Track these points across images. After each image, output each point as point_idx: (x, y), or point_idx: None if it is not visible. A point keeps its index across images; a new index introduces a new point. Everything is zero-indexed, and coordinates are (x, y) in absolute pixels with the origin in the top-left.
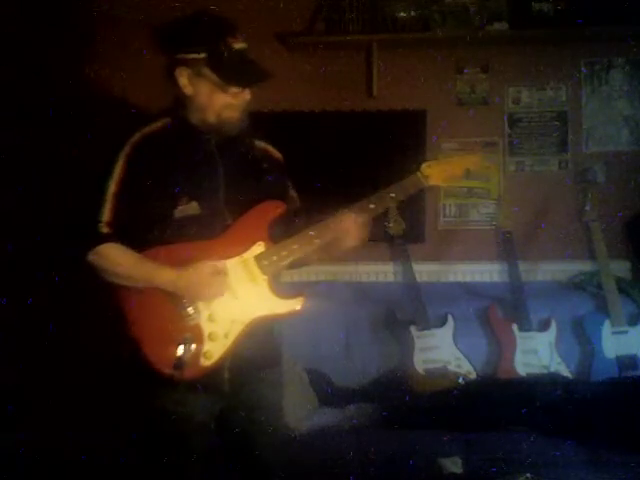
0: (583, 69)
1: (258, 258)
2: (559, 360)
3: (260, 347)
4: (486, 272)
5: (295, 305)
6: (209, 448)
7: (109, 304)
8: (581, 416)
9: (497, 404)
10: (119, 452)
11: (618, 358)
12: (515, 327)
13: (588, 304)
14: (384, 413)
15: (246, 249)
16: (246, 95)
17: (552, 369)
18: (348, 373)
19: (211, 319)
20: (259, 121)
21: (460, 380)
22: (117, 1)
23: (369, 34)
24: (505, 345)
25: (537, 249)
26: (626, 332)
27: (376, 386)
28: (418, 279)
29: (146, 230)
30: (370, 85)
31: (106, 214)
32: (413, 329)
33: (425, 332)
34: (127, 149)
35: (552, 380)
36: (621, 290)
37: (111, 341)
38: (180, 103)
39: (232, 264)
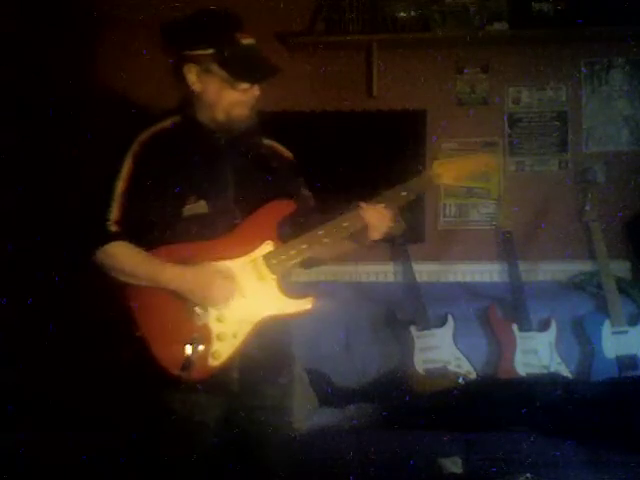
0: (583, 69)
1: (267, 257)
2: (559, 360)
3: (271, 347)
4: (486, 272)
5: (305, 305)
6: (214, 448)
7: (112, 303)
8: (581, 416)
9: (497, 404)
10: (119, 452)
11: (618, 358)
12: (515, 327)
13: (588, 304)
14: (384, 413)
15: (255, 248)
16: (255, 91)
17: (552, 369)
18: (348, 373)
19: (219, 319)
20: (259, 121)
21: (460, 380)
22: (118, 1)
23: (369, 34)
24: (505, 345)
25: (537, 249)
26: (626, 332)
27: (376, 386)
28: (418, 279)
29: (154, 229)
30: (370, 85)
31: (114, 213)
32: (413, 329)
33: (425, 332)
34: (135, 147)
35: (552, 380)
36: (621, 290)
37: (112, 340)
38: (188, 101)
39: (240, 263)
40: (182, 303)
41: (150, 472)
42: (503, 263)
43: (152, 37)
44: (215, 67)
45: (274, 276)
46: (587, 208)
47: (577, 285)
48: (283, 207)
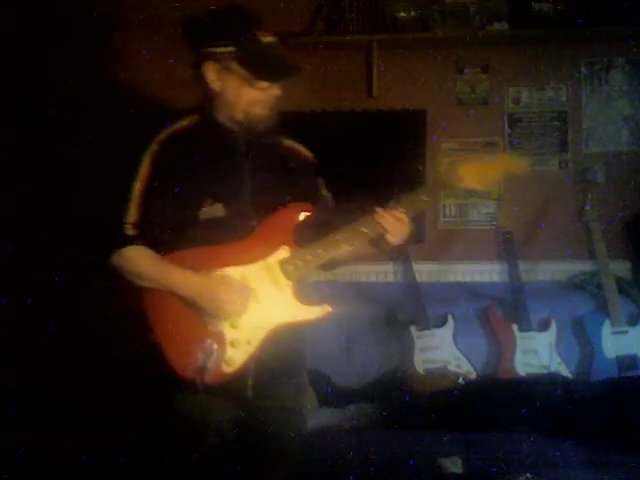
0: (583, 69)
1: (282, 263)
2: (559, 360)
3: (286, 353)
4: (486, 272)
5: (320, 312)
6: (223, 449)
7: (114, 304)
8: (581, 416)
9: (497, 404)
10: (119, 452)
11: (618, 358)
12: (515, 327)
13: (588, 304)
14: (384, 413)
15: (270, 253)
16: (275, 91)
17: (552, 369)
18: (348, 373)
19: (234, 325)
20: (279, 120)
21: (460, 380)
22: (118, 1)
23: (369, 34)
24: (505, 345)
25: (537, 249)
26: (626, 332)
27: (376, 386)
28: (418, 279)
29: (170, 232)
30: (370, 85)
31: (132, 215)
32: (413, 329)
33: (425, 332)
34: (154, 147)
35: (552, 380)
36: (621, 290)
37: (112, 341)
38: (207, 100)
39: (255, 268)
40: (196, 308)
41: (155, 473)
42: (503, 263)
43: (152, 37)
44: (235, 65)
45: (289, 282)
46: (587, 208)
47: (577, 285)
48: (300, 211)
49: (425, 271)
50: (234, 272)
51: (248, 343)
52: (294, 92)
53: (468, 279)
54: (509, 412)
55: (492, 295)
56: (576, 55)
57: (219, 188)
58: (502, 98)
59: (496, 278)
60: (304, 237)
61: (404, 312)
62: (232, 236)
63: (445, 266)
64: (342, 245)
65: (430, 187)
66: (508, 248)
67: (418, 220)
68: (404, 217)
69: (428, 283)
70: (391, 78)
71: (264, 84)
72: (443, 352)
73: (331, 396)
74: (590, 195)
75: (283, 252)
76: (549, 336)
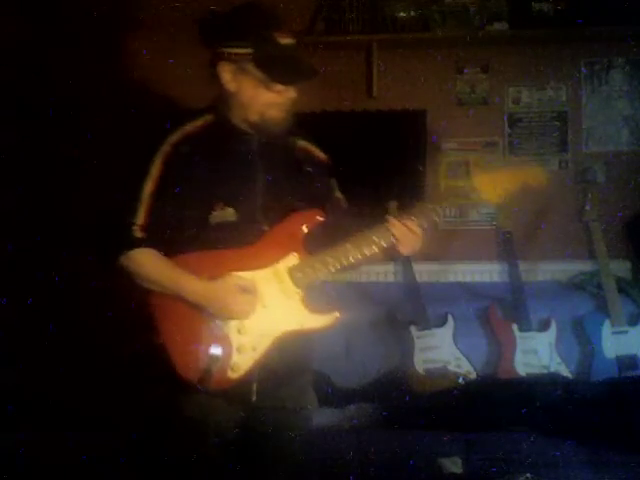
0: (583, 69)
1: (292, 270)
2: (559, 360)
3: (292, 360)
4: (486, 272)
5: (328, 321)
6: (225, 449)
7: (113, 304)
8: (581, 416)
9: (497, 404)
10: (119, 452)
11: (618, 358)
12: (515, 327)
13: (588, 304)
14: (384, 413)
15: (280, 259)
16: (291, 93)
17: (552, 369)
18: (348, 373)
19: (240, 331)
20: (295, 122)
21: (460, 380)
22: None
23: (369, 34)
24: (505, 345)
25: (537, 249)
26: (626, 332)
27: (376, 386)
28: (418, 279)
29: (179, 235)
30: (370, 85)
31: (140, 217)
32: (413, 329)
33: (425, 332)
34: (166, 148)
35: (552, 380)
36: (621, 290)
37: (113, 341)
38: (222, 100)
39: (264, 275)
40: (203, 312)
41: (155, 473)
42: (503, 263)
43: (152, 37)
44: (251, 67)
45: (298, 290)
46: (587, 208)
47: (577, 285)
48: (311, 217)
49: (425, 271)
50: (242, 277)
51: (254, 349)
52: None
53: (468, 279)
54: (509, 412)
55: (492, 295)
56: (576, 55)
57: (231, 192)
58: (502, 98)
59: (496, 278)
60: (315, 243)
61: (404, 312)
62: (242, 240)
63: (445, 266)
64: (352, 254)
65: (444, 198)
66: (508, 248)
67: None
68: (417, 228)
69: (428, 283)
70: (391, 78)
71: (280, 87)
72: (443, 352)
73: (331, 396)
74: (590, 195)
75: (293, 259)
76: (549, 336)
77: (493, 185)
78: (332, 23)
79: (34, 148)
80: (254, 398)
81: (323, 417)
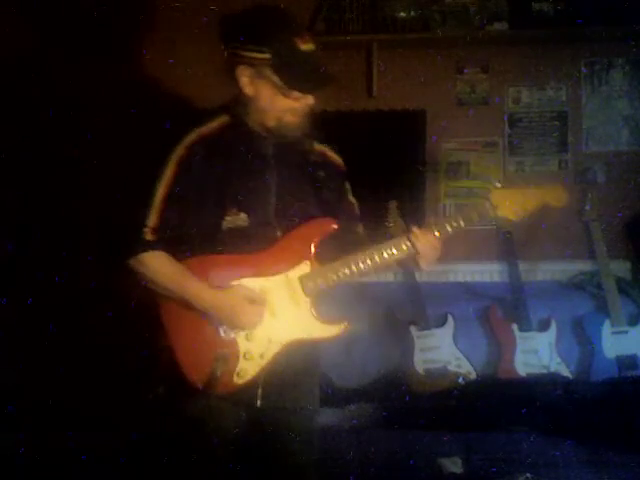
0: (583, 69)
1: (303, 278)
2: (559, 360)
3: (299, 367)
4: (486, 272)
5: (337, 331)
6: (224, 450)
7: (113, 304)
8: (581, 416)
9: (497, 404)
10: (119, 452)
11: (618, 358)
12: (515, 327)
13: (588, 304)
14: (384, 413)
15: (291, 267)
16: (309, 100)
17: (552, 369)
18: (348, 373)
19: (248, 338)
20: (312, 126)
21: (460, 380)
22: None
23: (369, 34)
24: (505, 345)
25: (537, 249)
26: (626, 332)
27: (376, 386)
28: (418, 279)
29: (191, 239)
30: (370, 85)
31: (152, 219)
32: (413, 329)
33: (425, 332)
34: (181, 151)
35: (552, 380)
36: (621, 290)
37: (113, 341)
38: (239, 102)
39: (275, 282)
40: (211, 318)
41: (155, 473)
42: (503, 263)
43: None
44: (269, 72)
45: (308, 299)
46: (587, 208)
47: (577, 285)
48: (326, 225)
49: (425, 271)
50: (253, 284)
51: (261, 357)
52: None
53: (468, 279)
54: (509, 412)
55: (492, 295)
56: (576, 55)
57: (244, 197)
58: (502, 98)
59: (496, 278)
60: (327, 251)
61: (404, 312)
62: (254, 246)
63: (445, 266)
64: (367, 265)
65: (463, 212)
66: (508, 248)
67: (418, 220)
68: (437, 241)
69: (428, 283)
70: (391, 78)
71: (297, 94)
72: (443, 352)
73: (331, 396)
74: (590, 195)
75: (305, 267)
76: (549, 336)
77: (512, 203)
78: (332, 23)
79: (36, 148)
80: (259, 402)
81: (323, 417)
